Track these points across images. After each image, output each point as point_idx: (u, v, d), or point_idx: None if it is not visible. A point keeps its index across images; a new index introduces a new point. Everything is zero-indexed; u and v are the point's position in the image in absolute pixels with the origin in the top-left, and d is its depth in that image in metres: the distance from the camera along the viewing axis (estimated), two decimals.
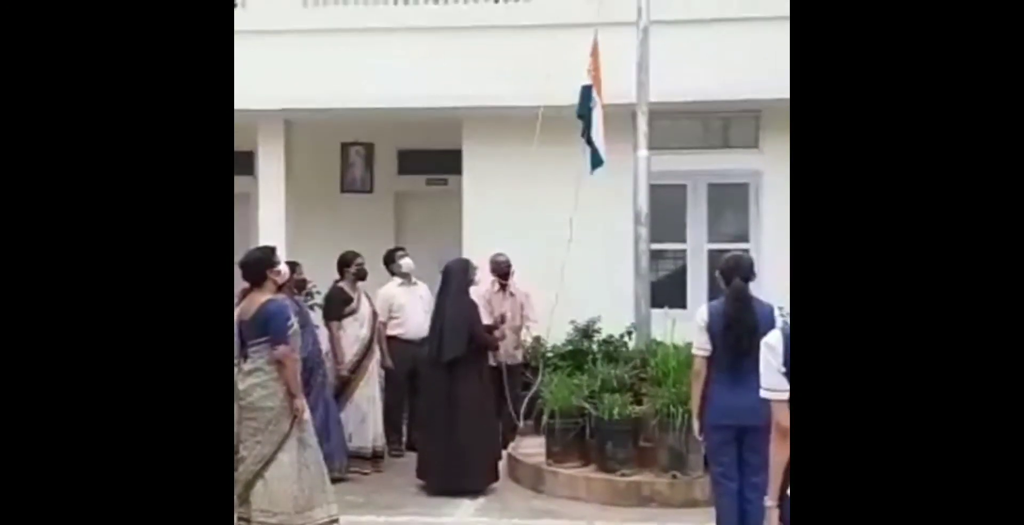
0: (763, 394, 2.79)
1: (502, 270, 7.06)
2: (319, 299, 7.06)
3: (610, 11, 7.14)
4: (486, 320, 6.26)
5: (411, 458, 6.35)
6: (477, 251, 7.18)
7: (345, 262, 6.52)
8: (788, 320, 4.72)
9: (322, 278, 6.97)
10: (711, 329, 4.16)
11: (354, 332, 6.40)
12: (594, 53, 6.94)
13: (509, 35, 7.62)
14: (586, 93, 6.92)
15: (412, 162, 9.47)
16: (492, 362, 6.51)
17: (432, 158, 9.18)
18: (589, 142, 6.96)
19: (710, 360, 4.22)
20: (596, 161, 6.96)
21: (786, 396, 2.70)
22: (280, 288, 4.77)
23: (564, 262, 6.89)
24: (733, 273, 4.19)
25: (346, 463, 6.09)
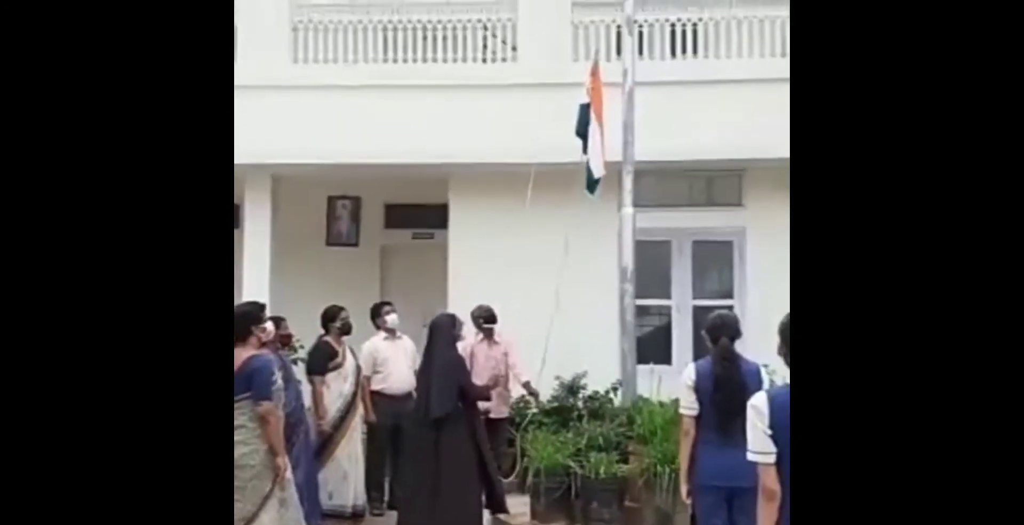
0: (750, 457, 2.78)
1: (486, 320, 7.04)
2: (303, 353, 7.00)
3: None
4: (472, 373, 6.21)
5: (392, 517, 6.21)
6: (462, 305, 7.16)
7: (330, 316, 6.49)
8: (775, 378, 4.73)
9: (306, 332, 6.92)
10: (698, 388, 4.15)
11: (338, 387, 6.34)
12: (594, 72, 6.94)
13: (496, 93, 7.73)
14: (584, 112, 6.87)
15: (398, 216, 9.51)
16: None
17: (419, 212, 9.23)
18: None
19: (698, 420, 4.19)
20: (591, 182, 6.88)
21: (773, 459, 2.71)
22: (265, 344, 4.74)
23: (552, 319, 6.88)
24: (719, 332, 4.19)
25: None
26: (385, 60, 8.03)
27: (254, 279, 7.84)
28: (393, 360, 6.66)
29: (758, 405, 2.76)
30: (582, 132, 6.88)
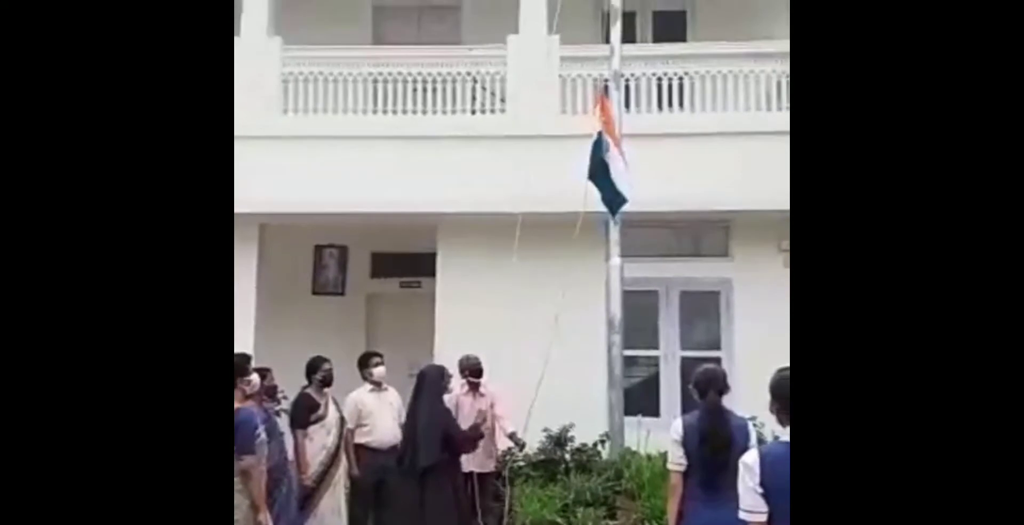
0: (741, 515, 2.78)
1: (472, 370, 6.99)
2: (287, 404, 6.91)
3: (583, 124, 7.36)
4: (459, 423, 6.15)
5: None
6: (449, 355, 7.12)
7: (312, 368, 6.43)
8: (763, 431, 4.69)
9: (291, 382, 6.84)
10: (686, 444, 4.12)
11: (320, 440, 6.24)
12: (602, 105, 6.88)
13: (485, 144, 7.80)
14: (596, 147, 6.72)
15: (385, 265, 9.50)
16: (465, 468, 6.33)
17: (406, 261, 9.22)
18: (601, 185, 6.74)
19: (685, 475, 4.16)
20: (618, 201, 6.72)
21: (764, 518, 2.70)
22: (251, 396, 4.68)
23: (539, 370, 6.83)
24: (707, 386, 4.18)
25: None
26: (375, 111, 8.10)
27: (239, 328, 7.72)
28: (378, 413, 6.58)
29: (749, 463, 2.76)
30: (594, 172, 6.71)
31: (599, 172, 6.72)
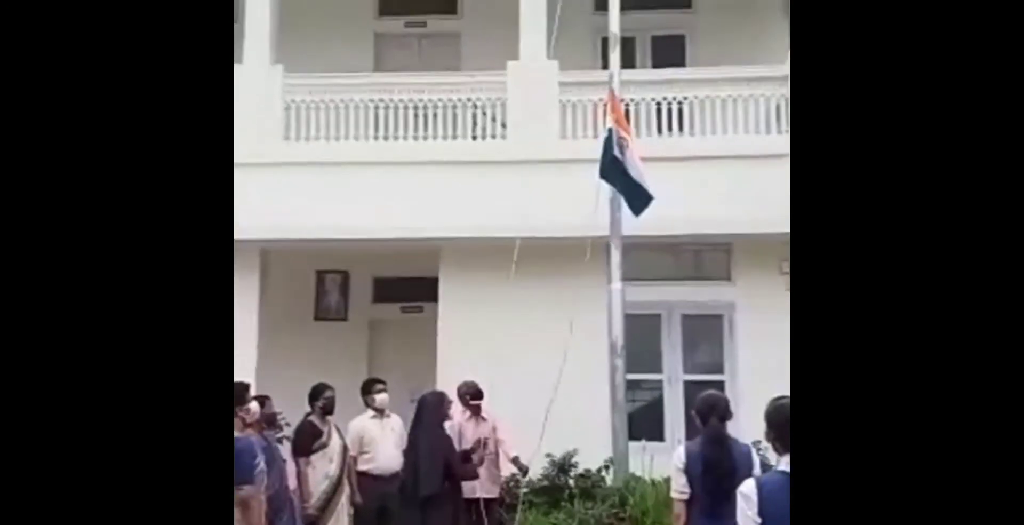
0: None
1: (472, 394, 6.95)
2: (289, 432, 6.87)
3: (584, 149, 7.39)
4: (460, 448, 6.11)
5: None
6: (452, 380, 7.09)
7: (315, 395, 6.40)
8: (767, 455, 4.64)
9: (293, 407, 6.81)
10: (689, 471, 4.09)
11: (323, 468, 6.20)
12: (612, 102, 6.82)
13: (486, 169, 7.83)
14: (607, 143, 6.60)
15: (387, 290, 9.49)
16: (471, 494, 6.27)
17: (408, 286, 9.21)
18: (620, 187, 6.62)
19: (689, 503, 4.12)
20: (643, 200, 6.54)
21: None
22: (251, 424, 4.66)
23: (542, 394, 6.78)
24: (710, 413, 4.15)
25: None
26: (376, 137, 8.14)
27: (241, 355, 7.71)
28: (381, 440, 6.54)
29: (747, 492, 2.76)
30: (607, 170, 6.58)
31: (613, 170, 6.57)
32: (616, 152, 6.56)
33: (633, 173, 6.60)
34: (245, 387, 4.67)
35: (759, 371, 7.13)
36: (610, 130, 6.64)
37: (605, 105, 6.89)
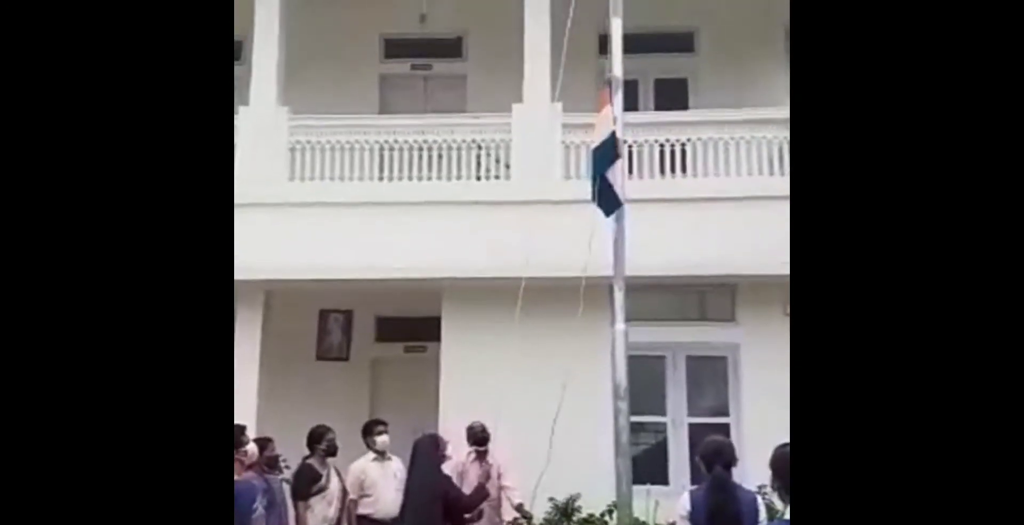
0: None
1: (478, 438, 6.88)
2: (289, 474, 6.79)
3: (586, 189, 7.40)
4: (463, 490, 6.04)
5: None
6: (454, 421, 7.03)
7: (315, 437, 6.33)
8: (772, 499, 4.57)
9: (294, 448, 6.74)
10: (694, 519, 4.02)
11: (322, 511, 6.12)
12: (603, 99, 6.52)
13: (489, 210, 7.85)
14: (607, 144, 6.32)
15: (390, 329, 9.46)
16: None
17: (410, 325, 9.18)
18: (601, 187, 6.34)
19: None
20: (613, 203, 6.33)
21: None
22: (250, 466, 4.61)
23: (545, 437, 6.71)
24: (714, 459, 4.10)
25: None
26: (380, 178, 8.19)
27: (242, 395, 7.69)
28: (381, 483, 6.45)
29: None
30: (600, 169, 6.32)
31: (598, 165, 6.34)
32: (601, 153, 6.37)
33: (615, 183, 6.42)
34: (241, 429, 4.63)
35: (764, 413, 7.06)
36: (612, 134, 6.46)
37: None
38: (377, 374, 9.35)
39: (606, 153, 6.38)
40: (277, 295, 8.35)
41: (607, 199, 6.43)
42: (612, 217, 6.86)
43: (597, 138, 6.44)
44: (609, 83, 6.59)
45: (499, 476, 6.84)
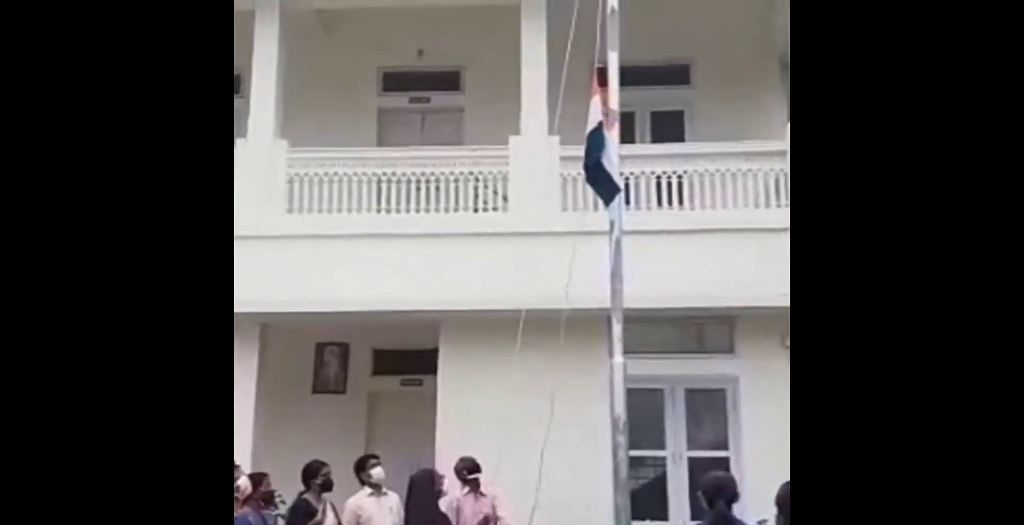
0: None
1: (469, 469, 6.80)
2: (285, 509, 6.69)
3: (584, 221, 7.41)
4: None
5: None
6: (452, 454, 6.95)
7: (311, 472, 6.24)
8: None
9: (290, 483, 6.65)
10: None
11: None
12: (600, 82, 6.40)
13: (487, 242, 7.85)
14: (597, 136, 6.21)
15: (387, 362, 9.41)
16: None
17: (407, 358, 9.13)
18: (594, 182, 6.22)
19: None
20: (611, 191, 6.13)
21: None
22: (246, 501, 4.54)
23: (542, 471, 6.64)
24: (716, 495, 4.06)
25: None
26: (378, 210, 8.19)
27: (238, 428, 7.59)
28: (378, 518, 6.35)
29: None
30: (595, 160, 6.14)
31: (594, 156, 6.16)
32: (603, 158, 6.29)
33: (605, 163, 6.33)
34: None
35: (764, 446, 7.01)
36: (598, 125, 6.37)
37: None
38: (374, 408, 9.27)
39: (599, 140, 6.33)
40: (273, 328, 8.31)
41: (604, 186, 6.34)
42: (611, 250, 6.83)
43: (590, 124, 6.40)
44: (599, 71, 6.54)
45: (494, 507, 6.75)
